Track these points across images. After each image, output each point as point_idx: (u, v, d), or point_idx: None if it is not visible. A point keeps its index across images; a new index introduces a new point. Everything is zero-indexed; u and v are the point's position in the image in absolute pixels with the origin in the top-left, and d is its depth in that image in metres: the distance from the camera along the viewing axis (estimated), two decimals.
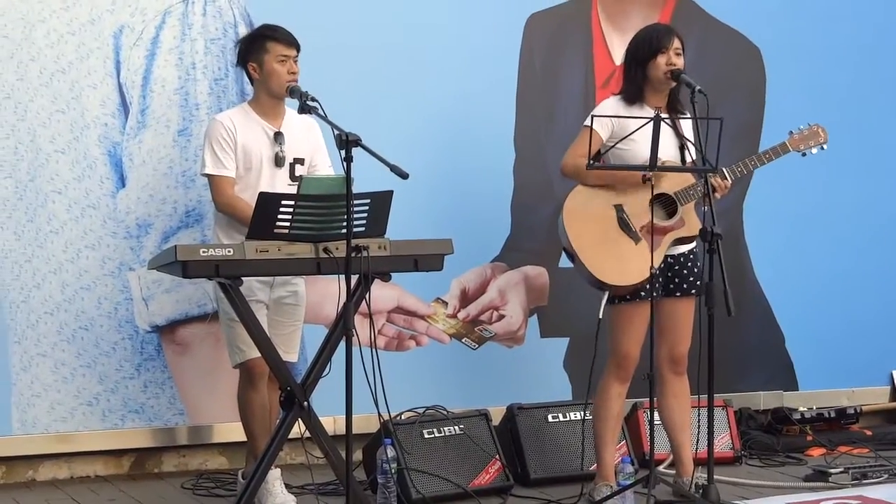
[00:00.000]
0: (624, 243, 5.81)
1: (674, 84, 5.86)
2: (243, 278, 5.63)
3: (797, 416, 7.20)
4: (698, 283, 5.91)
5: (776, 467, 6.76)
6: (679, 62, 5.85)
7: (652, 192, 5.71)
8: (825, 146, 6.20)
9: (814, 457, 6.91)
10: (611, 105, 5.95)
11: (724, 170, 5.89)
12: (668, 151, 5.82)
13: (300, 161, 5.96)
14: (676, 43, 5.88)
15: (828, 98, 7.43)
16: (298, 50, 5.90)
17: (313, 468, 6.08)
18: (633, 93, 5.89)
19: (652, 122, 5.55)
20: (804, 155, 6.19)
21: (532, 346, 7.11)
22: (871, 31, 7.67)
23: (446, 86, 6.91)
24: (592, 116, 5.85)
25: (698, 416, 6.06)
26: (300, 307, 6.03)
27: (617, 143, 5.77)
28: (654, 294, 5.73)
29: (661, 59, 5.84)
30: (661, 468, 6.42)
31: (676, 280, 5.92)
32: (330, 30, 6.67)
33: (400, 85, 6.82)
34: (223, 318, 5.87)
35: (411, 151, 6.35)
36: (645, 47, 5.87)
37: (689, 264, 5.94)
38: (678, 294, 5.92)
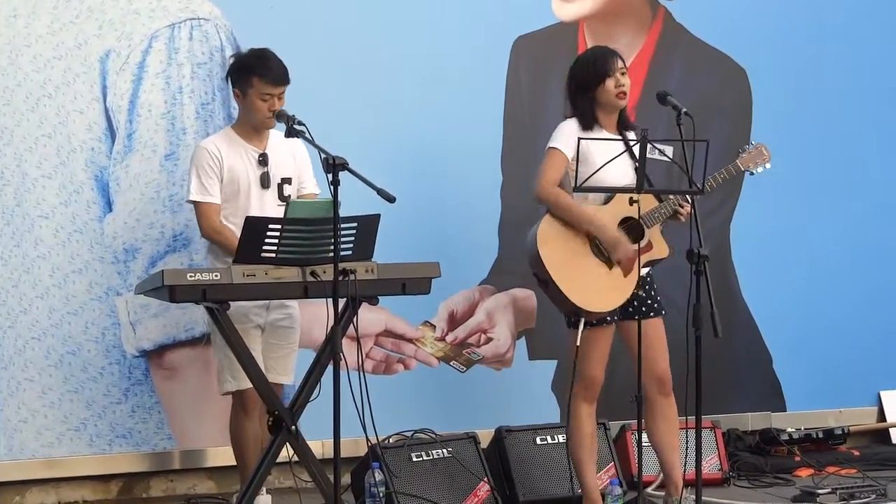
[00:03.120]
0: (598, 269, 5.82)
1: (624, 104, 5.88)
2: (239, 303, 5.63)
3: (785, 437, 7.20)
4: (656, 303, 5.92)
5: (764, 488, 6.76)
6: (626, 82, 5.88)
7: (639, 214, 5.72)
8: (768, 165, 6.21)
9: (802, 477, 6.90)
10: (571, 126, 5.93)
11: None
12: (626, 172, 5.81)
13: (288, 181, 5.97)
14: (620, 63, 5.91)
15: (813, 118, 7.46)
16: (287, 83, 5.90)
17: (302, 492, 6.07)
18: (586, 119, 5.90)
19: (636, 144, 5.56)
20: (752, 174, 6.20)
21: (520, 368, 7.11)
22: (855, 52, 7.69)
23: (433, 109, 6.92)
24: (578, 140, 5.84)
25: (686, 437, 6.06)
26: (295, 330, 6.03)
27: (595, 172, 5.69)
28: (617, 318, 5.77)
29: (610, 83, 5.85)
30: (649, 490, 6.42)
31: (635, 303, 5.91)
32: (317, 53, 6.68)
33: (387, 108, 6.84)
34: (217, 344, 5.85)
35: (398, 175, 6.36)
36: (590, 73, 5.88)
37: (647, 287, 5.94)
38: (637, 317, 5.89)
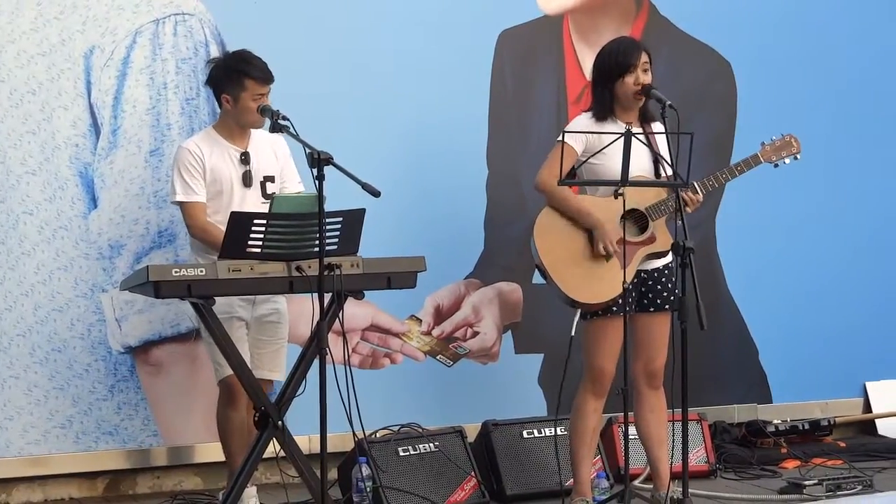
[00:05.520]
0: (592, 261, 5.82)
1: (643, 100, 5.87)
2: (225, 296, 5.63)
3: (771, 429, 7.21)
4: (672, 298, 5.92)
5: (751, 480, 6.77)
6: (647, 78, 5.84)
7: (624, 208, 5.71)
8: (798, 156, 6.22)
9: (788, 469, 6.92)
10: (583, 121, 5.95)
11: (695, 184, 5.90)
12: (642, 165, 5.82)
13: (270, 179, 5.97)
14: (644, 58, 5.86)
15: (798, 111, 7.46)
16: (274, 80, 5.89)
17: (288, 488, 6.07)
18: (602, 110, 5.89)
19: (623, 138, 5.56)
20: (776, 166, 6.21)
21: (506, 362, 7.11)
22: (839, 44, 7.70)
23: (418, 103, 6.91)
24: (564, 132, 5.85)
25: (672, 430, 6.06)
26: (282, 325, 6.02)
27: (589, 157, 5.77)
28: (627, 309, 5.73)
29: (629, 79, 5.82)
30: (636, 482, 6.42)
31: (650, 295, 5.93)
32: (301, 49, 6.67)
33: (371, 103, 6.83)
34: (205, 335, 5.86)
35: (383, 169, 6.38)
36: (612, 66, 5.86)
37: (664, 279, 5.94)
38: (652, 309, 5.92)
